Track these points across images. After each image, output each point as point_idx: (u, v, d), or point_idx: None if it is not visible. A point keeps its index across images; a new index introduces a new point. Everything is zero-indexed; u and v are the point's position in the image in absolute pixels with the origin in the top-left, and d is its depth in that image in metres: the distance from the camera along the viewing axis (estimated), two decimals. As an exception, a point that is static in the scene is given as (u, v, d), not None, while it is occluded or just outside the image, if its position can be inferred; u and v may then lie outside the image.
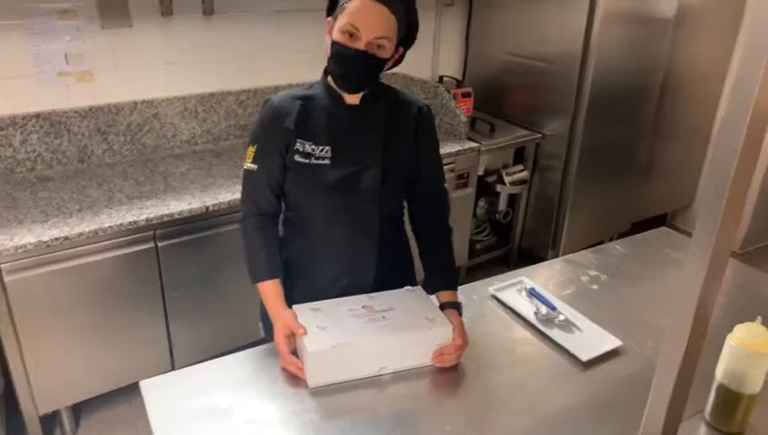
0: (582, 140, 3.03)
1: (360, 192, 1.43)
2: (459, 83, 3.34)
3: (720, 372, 1.20)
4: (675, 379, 1.00)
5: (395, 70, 3.20)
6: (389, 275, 1.52)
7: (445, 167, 2.73)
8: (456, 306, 1.45)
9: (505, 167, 3.14)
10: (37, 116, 2.33)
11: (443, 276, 1.52)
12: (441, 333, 1.35)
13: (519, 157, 3.21)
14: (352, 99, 1.42)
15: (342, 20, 1.31)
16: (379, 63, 1.35)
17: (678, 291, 0.90)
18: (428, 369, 1.37)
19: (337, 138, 1.41)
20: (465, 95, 3.21)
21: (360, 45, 1.31)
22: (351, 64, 1.33)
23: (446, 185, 1.60)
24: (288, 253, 1.51)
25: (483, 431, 1.22)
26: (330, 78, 1.41)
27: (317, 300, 1.44)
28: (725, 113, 0.71)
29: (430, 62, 3.40)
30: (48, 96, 2.34)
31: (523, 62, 3.19)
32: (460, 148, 2.85)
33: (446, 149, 2.81)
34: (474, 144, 2.91)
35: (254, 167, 1.43)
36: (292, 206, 1.49)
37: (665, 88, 3.30)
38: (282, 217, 1.53)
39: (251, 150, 1.44)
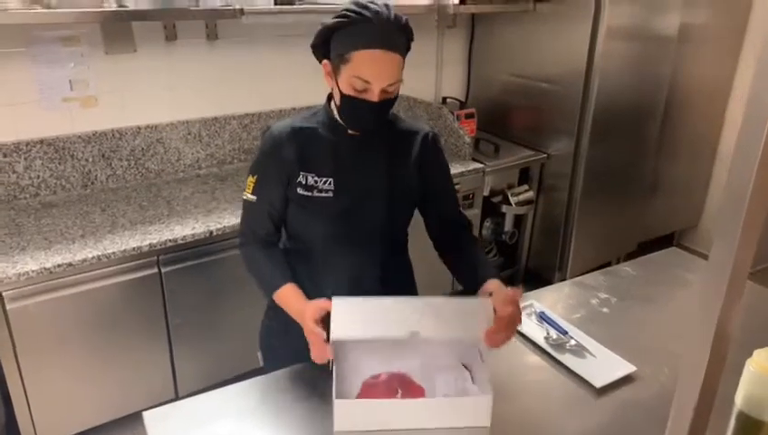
0: (587, 160, 3.01)
1: (364, 224, 1.41)
2: (462, 105, 3.34)
3: (740, 399, 1.16)
4: (693, 408, 0.97)
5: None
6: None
7: (449, 188, 2.78)
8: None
9: (510, 187, 3.12)
10: (41, 142, 2.33)
11: (484, 269, 1.42)
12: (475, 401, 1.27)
13: (524, 177, 3.19)
14: (343, 123, 1.39)
15: (349, 72, 1.26)
16: (392, 103, 1.33)
17: (694, 314, 0.87)
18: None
19: (340, 169, 1.38)
20: (469, 116, 3.21)
21: (374, 97, 1.27)
22: (366, 116, 1.31)
23: (460, 208, 1.58)
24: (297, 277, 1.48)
25: (495, 462, 1.19)
26: (334, 110, 1.39)
27: None
28: (741, 130, 0.69)
29: (433, 83, 3.40)
30: (52, 122, 2.35)
31: (526, 82, 3.19)
32: (464, 169, 2.83)
33: (450, 170, 2.78)
34: (478, 165, 2.90)
35: (254, 198, 1.40)
36: (294, 235, 1.47)
37: (669, 105, 3.29)
38: (281, 245, 1.50)
39: (251, 181, 1.41)
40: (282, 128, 1.39)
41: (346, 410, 1.23)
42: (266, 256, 1.43)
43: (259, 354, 1.57)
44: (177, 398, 2.29)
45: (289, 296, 1.37)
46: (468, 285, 1.43)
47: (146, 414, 1.27)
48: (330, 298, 1.29)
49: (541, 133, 3.17)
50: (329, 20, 1.28)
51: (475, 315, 1.30)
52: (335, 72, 1.30)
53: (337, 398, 1.23)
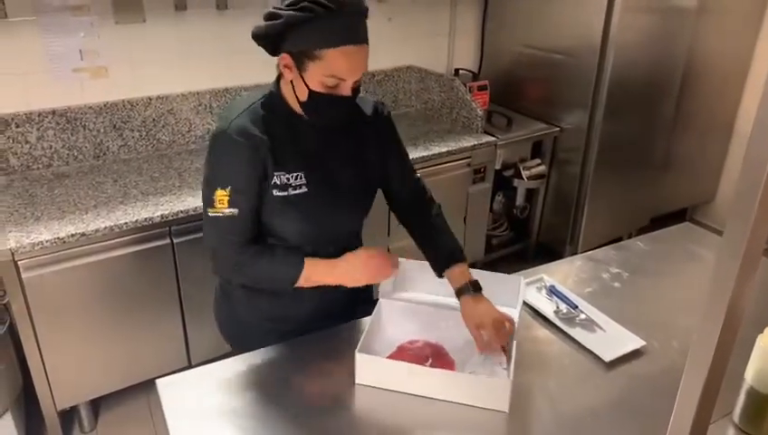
0: (601, 134, 2.97)
1: (338, 213, 1.38)
2: (475, 76, 3.29)
3: (750, 375, 1.16)
4: (704, 383, 0.96)
5: (410, 63, 3.20)
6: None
7: (461, 161, 2.77)
8: (475, 287, 1.39)
9: (523, 161, 3.09)
10: (53, 112, 2.33)
11: (451, 251, 1.44)
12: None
13: (536, 151, 3.16)
14: (306, 116, 1.30)
15: (320, 70, 1.17)
16: (359, 91, 1.27)
17: (706, 289, 0.86)
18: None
19: (306, 161, 1.30)
20: (482, 88, 3.16)
21: (347, 92, 1.22)
22: (338, 112, 1.27)
23: (418, 174, 1.55)
24: None
25: (504, 434, 1.20)
26: (288, 101, 1.29)
27: (287, 321, 1.44)
28: (759, 106, 0.67)
29: (446, 54, 3.36)
30: (63, 92, 2.34)
31: (540, 54, 3.14)
32: (476, 142, 2.81)
33: (462, 143, 2.77)
34: (490, 138, 2.87)
35: (235, 211, 1.25)
36: (268, 232, 1.36)
37: (685, 80, 3.22)
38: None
39: (222, 195, 1.24)
40: (240, 129, 1.24)
41: (366, 365, 1.26)
42: (267, 258, 1.31)
43: (225, 339, 1.55)
44: (190, 366, 2.33)
45: (314, 270, 1.32)
46: (434, 262, 1.46)
47: (159, 382, 1.29)
48: (312, 291, 1.37)
49: (554, 106, 3.13)
50: (282, 10, 1.16)
51: (510, 291, 1.40)
52: (299, 67, 1.20)
53: (360, 351, 1.26)
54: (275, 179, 1.28)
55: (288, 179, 1.29)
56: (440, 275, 1.44)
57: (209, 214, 1.27)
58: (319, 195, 1.32)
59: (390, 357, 1.33)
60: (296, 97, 1.26)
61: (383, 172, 1.46)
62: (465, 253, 1.47)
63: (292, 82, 1.24)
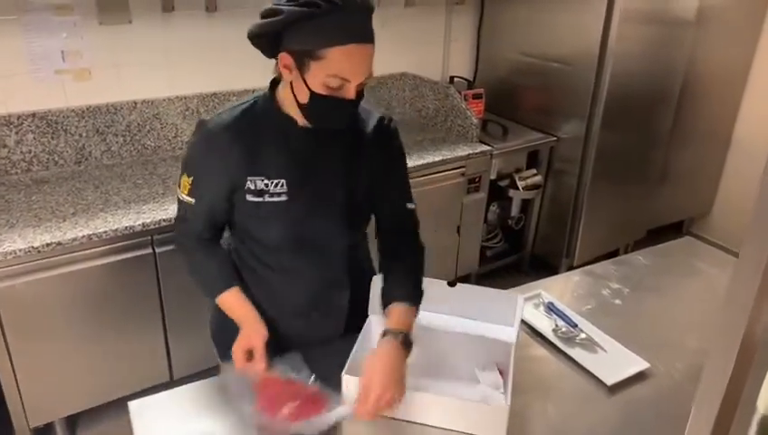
0: (598, 144, 2.91)
1: (324, 225, 1.29)
2: (470, 84, 3.23)
3: (763, 404, 1.09)
4: (716, 414, 0.90)
5: (404, 70, 3.14)
6: (363, 298, 1.39)
7: (456, 170, 2.70)
8: (403, 340, 1.19)
9: (518, 171, 3.03)
10: (33, 115, 2.24)
11: (402, 286, 1.29)
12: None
13: (533, 161, 3.10)
14: (305, 120, 1.22)
15: (323, 71, 1.10)
16: (363, 94, 1.20)
17: (715, 310, 0.80)
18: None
19: (291, 168, 1.23)
20: (477, 96, 3.10)
21: (351, 94, 1.14)
22: (341, 115, 1.19)
23: (412, 205, 1.40)
24: (253, 280, 1.36)
25: (499, 463, 1.12)
26: (283, 103, 1.23)
27: (283, 332, 1.35)
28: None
29: (440, 61, 3.29)
30: (44, 95, 2.26)
31: (536, 62, 3.08)
32: (471, 151, 2.74)
33: (456, 152, 2.70)
34: (485, 147, 2.80)
35: (192, 200, 1.25)
36: (246, 238, 1.33)
37: (684, 90, 3.18)
38: (233, 244, 1.39)
39: (185, 181, 1.25)
40: (220, 124, 1.21)
41: (354, 387, 1.18)
42: (207, 255, 1.32)
43: (215, 351, 1.47)
44: (171, 380, 2.24)
45: (232, 304, 1.31)
46: (383, 294, 1.31)
47: (131, 404, 1.21)
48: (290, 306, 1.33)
49: (551, 116, 3.07)
50: (283, 6, 1.09)
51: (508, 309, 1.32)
52: (300, 68, 1.12)
53: (347, 373, 1.18)
54: (249, 184, 1.22)
55: (267, 185, 1.22)
56: (383, 308, 1.29)
57: (177, 195, 1.30)
58: (299, 205, 1.25)
59: (258, 386, 1.18)
60: (296, 100, 1.18)
61: (373, 191, 1.35)
62: (446, 268, 1.38)
63: (291, 83, 1.17)
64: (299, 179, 1.24)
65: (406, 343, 1.19)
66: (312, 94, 1.14)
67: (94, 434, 2.23)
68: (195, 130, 1.25)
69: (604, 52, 2.76)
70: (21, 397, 1.95)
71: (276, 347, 1.36)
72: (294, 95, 1.17)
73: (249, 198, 1.23)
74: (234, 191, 1.24)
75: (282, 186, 1.23)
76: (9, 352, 1.88)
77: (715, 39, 3.20)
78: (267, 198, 1.23)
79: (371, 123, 1.32)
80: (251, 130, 1.22)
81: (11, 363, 1.89)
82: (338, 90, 1.13)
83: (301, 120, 1.22)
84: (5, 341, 1.86)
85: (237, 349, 1.23)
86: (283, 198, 1.23)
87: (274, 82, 1.26)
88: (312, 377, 1.19)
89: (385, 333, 1.21)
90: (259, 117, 1.23)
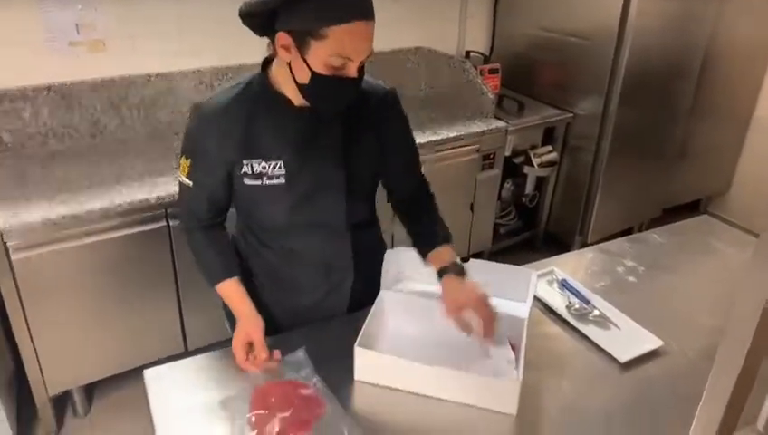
0: (616, 121, 2.86)
1: (324, 207, 1.28)
2: (486, 59, 3.18)
3: (779, 382, 1.08)
4: (731, 390, 0.89)
5: (418, 44, 3.09)
6: (369, 274, 1.38)
7: (470, 147, 2.67)
8: (459, 269, 1.28)
9: (534, 148, 2.99)
10: (48, 88, 2.25)
11: (437, 233, 1.35)
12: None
13: (548, 137, 3.06)
14: (301, 99, 1.18)
15: (326, 50, 1.07)
16: (363, 72, 1.17)
17: (732, 287, 0.79)
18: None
19: (289, 150, 1.21)
20: (493, 72, 3.06)
21: (352, 73, 1.11)
22: (344, 95, 1.16)
23: (422, 173, 1.45)
24: (258, 262, 1.38)
25: (510, 438, 1.12)
26: (276, 83, 1.20)
27: (293, 310, 1.37)
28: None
29: (456, 36, 3.24)
30: (59, 67, 2.26)
31: (554, 37, 3.02)
32: (486, 127, 2.71)
33: (471, 128, 2.68)
34: (501, 123, 2.77)
35: (191, 183, 1.26)
36: (249, 221, 1.34)
37: (705, 66, 3.10)
38: (236, 229, 1.40)
39: (184, 163, 1.25)
40: (214, 106, 1.21)
41: (365, 361, 1.19)
42: (210, 242, 1.32)
43: (227, 323, 1.48)
44: (186, 351, 2.27)
45: (230, 294, 1.31)
46: (420, 250, 1.37)
47: (146, 373, 1.23)
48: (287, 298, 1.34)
49: (568, 91, 3.02)
50: None
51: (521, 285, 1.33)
52: (300, 48, 1.09)
53: (359, 346, 1.19)
54: (245, 168, 1.22)
55: (264, 168, 1.21)
56: (424, 258, 1.34)
57: (177, 178, 1.30)
58: (298, 187, 1.24)
59: (254, 398, 1.16)
60: (294, 81, 1.15)
61: (382, 167, 1.36)
62: (459, 245, 1.39)
63: (289, 64, 1.13)
64: (297, 161, 1.22)
65: (462, 272, 1.27)
66: (314, 75, 1.10)
67: (111, 401, 2.28)
68: (190, 112, 1.25)
69: (624, 26, 2.69)
70: (40, 366, 1.98)
71: (281, 326, 1.37)
72: (293, 76, 1.14)
73: (247, 181, 1.22)
74: (231, 174, 1.23)
75: (279, 167, 1.21)
76: (27, 323, 1.91)
77: (738, 13, 3.11)
78: (266, 181, 1.22)
79: (372, 97, 1.29)
80: (246, 111, 1.20)
81: (29, 333, 1.93)
82: (340, 69, 1.10)
83: (297, 100, 1.20)
84: (24, 311, 1.89)
85: (237, 344, 1.23)
86: (282, 180, 1.22)
87: (266, 62, 1.23)
88: (315, 378, 1.19)
89: (441, 273, 1.27)
90: (254, 98, 1.21)
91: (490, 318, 1.20)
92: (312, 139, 1.23)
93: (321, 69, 1.10)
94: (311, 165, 1.23)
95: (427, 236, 1.36)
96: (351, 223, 1.33)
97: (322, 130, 1.23)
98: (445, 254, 1.31)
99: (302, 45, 1.09)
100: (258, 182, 1.22)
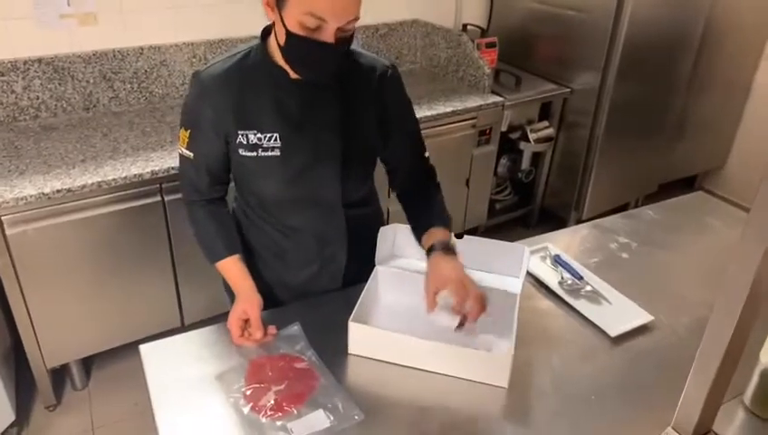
0: (613, 96, 2.85)
1: (318, 182, 1.26)
2: (484, 33, 3.15)
3: (766, 356, 1.10)
4: (719, 363, 0.91)
5: (415, 16, 3.05)
6: (363, 252, 1.38)
7: (466, 122, 2.66)
8: (448, 248, 1.25)
9: (530, 123, 2.98)
10: (39, 61, 2.22)
11: (435, 215, 1.34)
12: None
13: (545, 113, 3.05)
14: (287, 65, 1.17)
15: (299, 7, 1.03)
16: (349, 45, 1.13)
17: (723, 264, 0.79)
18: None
19: (285, 123, 1.20)
20: (490, 45, 3.03)
21: (329, 38, 1.06)
22: (319, 61, 1.10)
23: (426, 154, 1.41)
24: (255, 235, 1.38)
25: (504, 413, 1.14)
26: (274, 51, 1.18)
27: (286, 285, 1.39)
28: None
29: (453, 9, 3.20)
30: (50, 40, 2.23)
31: (552, 10, 2.98)
32: (483, 102, 2.69)
33: (467, 103, 2.66)
34: (497, 98, 2.75)
35: (191, 154, 1.25)
36: (246, 193, 1.34)
37: (705, 38, 3.07)
38: (234, 203, 1.40)
39: (183, 135, 1.24)
40: (212, 74, 1.19)
41: (359, 335, 1.20)
42: (211, 218, 1.32)
43: (226, 295, 1.48)
44: (182, 326, 2.29)
45: (231, 272, 1.30)
46: (415, 233, 1.36)
47: (142, 348, 1.24)
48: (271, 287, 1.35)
49: (565, 66, 3.00)
50: None
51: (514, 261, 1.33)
52: (278, 5, 1.07)
53: (354, 320, 1.20)
54: (240, 138, 1.21)
55: (260, 139, 1.20)
56: (419, 241, 1.33)
57: (178, 150, 1.29)
58: (293, 161, 1.22)
59: (249, 372, 1.17)
60: (278, 43, 1.13)
61: (382, 145, 1.33)
62: (454, 220, 1.38)
63: (274, 24, 1.12)
64: (292, 134, 1.21)
65: (452, 251, 1.25)
66: (289, 35, 1.08)
67: (108, 374, 2.30)
68: (190, 81, 1.24)
69: (622, -2, 2.66)
70: (37, 339, 2.00)
71: (276, 300, 1.38)
72: (276, 38, 1.13)
73: (242, 152, 1.21)
74: (228, 144, 1.23)
75: (275, 140, 1.20)
76: (24, 297, 1.92)
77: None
78: (261, 153, 1.21)
79: (373, 74, 1.27)
80: (242, 81, 1.19)
81: (26, 307, 1.94)
82: (315, 31, 1.06)
83: (293, 72, 1.18)
84: (20, 285, 1.89)
85: (233, 320, 1.23)
86: (277, 152, 1.21)
87: (266, 32, 1.21)
88: (309, 352, 1.20)
89: (430, 249, 1.26)
90: (251, 68, 1.20)
91: (463, 299, 1.18)
92: (308, 112, 1.21)
93: (295, 28, 1.06)
94: (307, 139, 1.22)
95: (425, 220, 1.34)
96: (347, 201, 1.32)
97: (319, 105, 1.22)
98: (437, 233, 1.30)
99: (280, 2, 1.07)
100: (253, 154, 1.21)
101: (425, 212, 1.36)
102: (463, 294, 1.18)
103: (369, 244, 1.38)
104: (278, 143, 1.20)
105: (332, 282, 1.43)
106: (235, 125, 1.20)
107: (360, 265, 1.38)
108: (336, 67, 1.15)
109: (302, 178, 1.25)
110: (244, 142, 1.21)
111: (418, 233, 1.34)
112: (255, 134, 1.20)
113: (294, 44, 1.08)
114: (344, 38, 1.10)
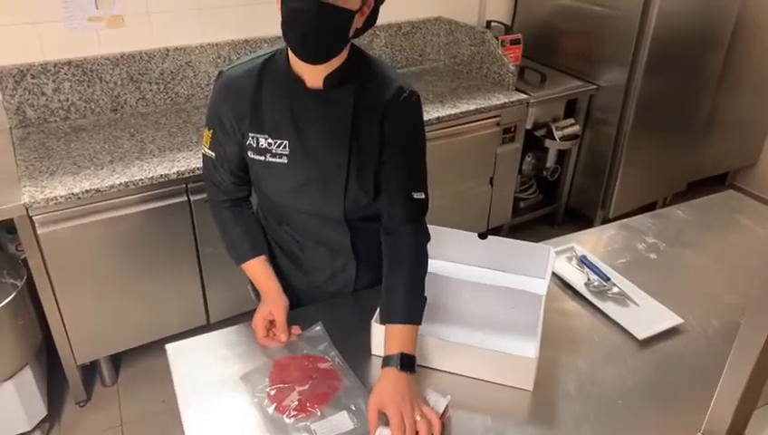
0: (640, 93, 2.80)
1: (322, 195, 1.23)
2: (508, 29, 3.11)
3: (800, 362, 1.06)
4: (752, 367, 0.89)
5: (439, 14, 3.04)
6: (375, 261, 1.31)
7: (491, 120, 2.64)
8: (405, 363, 1.10)
9: (555, 120, 2.94)
10: (69, 63, 2.26)
11: (399, 304, 1.17)
12: None
13: (570, 110, 3.00)
14: (313, 80, 1.15)
15: None
16: (344, 17, 1.05)
17: (755, 264, 0.77)
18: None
19: (295, 132, 1.18)
20: (514, 42, 2.99)
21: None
22: (306, 24, 1.03)
23: (420, 195, 1.23)
24: (273, 237, 1.39)
25: (529, 416, 1.13)
26: (291, 56, 1.15)
27: (301, 288, 1.39)
28: None
29: (477, 5, 3.17)
30: (79, 42, 2.27)
31: (578, 5, 2.94)
32: (507, 99, 2.67)
33: (492, 100, 2.64)
34: (522, 96, 2.72)
35: (213, 154, 1.26)
36: (261, 194, 1.34)
37: (736, 33, 3.00)
38: (257, 199, 1.40)
39: (207, 135, 1.26)
40: (233, 74, 1.20)
41: (382, 336, 1.19)
42: (236, 220, 1.33)
43: (249, 287, 1.49)
44: (208, 324, 2.32)
45: (257, 274, 1.32)
46: (381, 308, 1.21)
47: (168, 347, 1.26)
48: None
49: (591, 62, 2.95)
50: None
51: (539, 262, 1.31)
52: None
53: (376, 321, 1.20)
54: (251, 140, 1.21)
55: (270, 145, 1.20)
56: (383, 323, 1.19)
57: (201, 150, 1.32)
58: (299, 170, 1.21)
59: (273, 373, 1.17)
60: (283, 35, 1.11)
61: (377, 171, 1.23)
62: (478, 219, 1.33)
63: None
64: (300, 145, 1.19)
65: (407, 366, 1.10)
66: (281, 11, 1.06)
67: (137, 370, 2.34)
68: (215, 80, 1.25)
69: (651, -7, 2.61)
70: (68, 336, 2.04)
71: (293, 302, 1.35)
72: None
73: (251, 154, 1.22)
74: (242, 145, 1.23)
75: (284, 147, 1.20)
76: (55, 295, 1.96)
77: (773, -22, 3.00)
78: (269, 158, 1.21)
79: (381, 96, 1.18)
80: (260, 84, 1.18)
81: (57, 305, 1.98)
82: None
83: (309, 82, 1.16)
84: (51, 284, 1.94)
85: (258, 320, 1.24)
86: (284, 160, 1.20)
87: None
88: (333, 352, 1.21)
89: (384, 362, 1.12)
90: (273, 72, 1.19)
91: (399, 431, 1.02)
92: (319, 125, 1.18)
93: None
94: (314, 152, 1.20)
95: (391, 303, 1.18)
96: (351, 217, 1.28)
97: (331, 119, 1.18)
98: (398, 338, 1.14)
99: None
100: (262, 157, 1.21)
101: (393, 292, 1.20)
102: (400, 427, 1.02)
103: (377, 256, 1.30)
104: (286, 151, 1.20)
105: (345, 287, 1.42)
106: (248, 126, 1.20)
107: (373, 272, 1.37)
108: (321, 28, 1.05)
109: (307, 189, 1.23)
110: (254, 145, 1.21)
111: (382, 315, 1.19)
112: (266, 139, 1.20)
113: (283, 11, 1.05)
114: (334, 6, 1.03)
